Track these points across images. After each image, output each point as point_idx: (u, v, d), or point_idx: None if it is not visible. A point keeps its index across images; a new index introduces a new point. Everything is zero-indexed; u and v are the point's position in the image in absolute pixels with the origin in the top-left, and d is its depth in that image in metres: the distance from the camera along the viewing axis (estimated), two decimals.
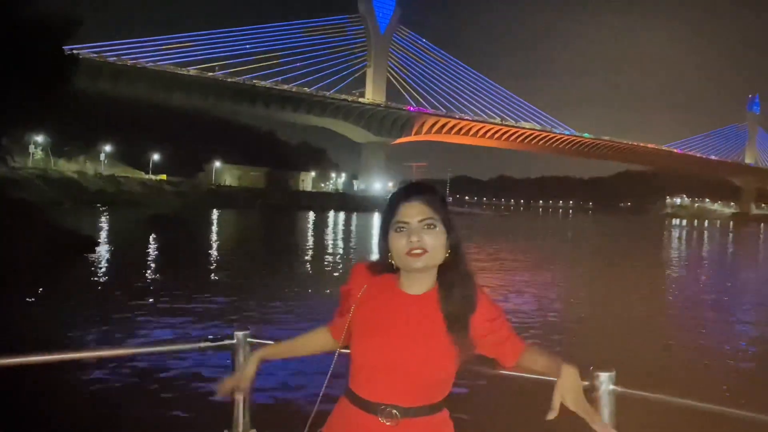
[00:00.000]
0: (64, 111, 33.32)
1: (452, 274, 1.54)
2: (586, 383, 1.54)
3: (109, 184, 69.45)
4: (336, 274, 17.05)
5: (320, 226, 45.53)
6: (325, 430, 1.58)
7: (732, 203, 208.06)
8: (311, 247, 27.44)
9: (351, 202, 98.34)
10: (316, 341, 1.78)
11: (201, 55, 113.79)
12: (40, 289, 12.18)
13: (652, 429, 3.88)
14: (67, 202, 51.47)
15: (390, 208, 1.55)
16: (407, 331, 1.49)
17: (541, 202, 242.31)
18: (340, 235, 37.89)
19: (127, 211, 51.14)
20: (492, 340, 1.56)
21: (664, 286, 17.87)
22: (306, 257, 22.35)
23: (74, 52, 29.01)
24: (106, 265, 17.42)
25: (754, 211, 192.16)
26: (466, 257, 1.57)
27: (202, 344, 2.11)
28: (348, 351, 1.59)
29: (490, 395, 5.56)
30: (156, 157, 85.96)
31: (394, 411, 1.46)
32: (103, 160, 78.57)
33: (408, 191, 1.55)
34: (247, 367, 1.80)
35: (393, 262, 1.55)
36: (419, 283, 1.55)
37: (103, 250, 20.35)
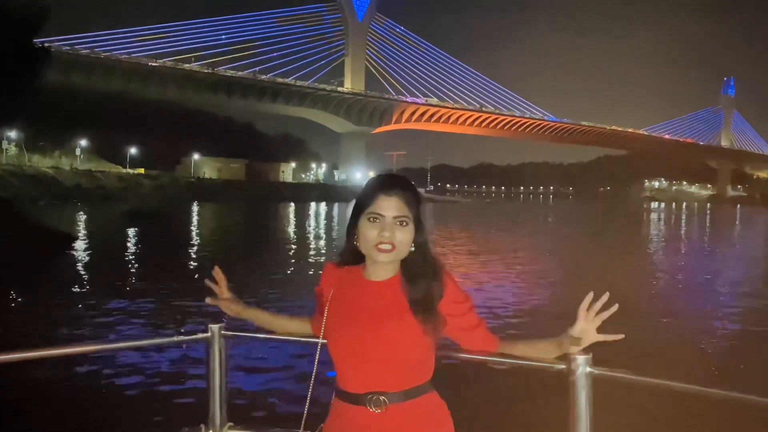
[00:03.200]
0: (36, 105, 32.77)
1: (417, 266, 1.56)
2: (563, 366, 1.58)
3: (86, 179, 68.41)
4: (317, 267, 17.00)
5: (301, 218, 45.38)
6: None
7: (709, 185, 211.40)
8: (292, 239, 27.33)
9: (332, 193, 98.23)
10: (296, 327, 1.87)
11: (176, 46, 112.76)
12: (15, 287, 11.97)
13: (631, 411, 3.91)
14: (43, 198, 50.74)
15: (367, 195, 1.56)
16: (375, 316, 1.53)
17: (521, 188, 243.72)
18: (322, 225, 37.82)
19: (105, 206, 50.51)
20: (459, 324, 1.59)
21: (641, 268, 18.07)
22: (287, 250, 22.25)
23: (45, 44, 28.33)
24: (83, 261, 17.20)
25: (730, 193, 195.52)
26: (433, 253, 1.59)
27: (177, 338, 2.12)
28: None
29: (482, 381, 5.58)
30: (133, 150, 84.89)
31: (382, 398, 1.49)
32: (78, 155, 77.43)
33: (388, 184, 1.56)
34: (236, 303, 1.86)
35: (358, 244, 1.58)
36: (383, 270, 1.58)
37: (80, 246, 20.07)
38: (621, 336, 1.53)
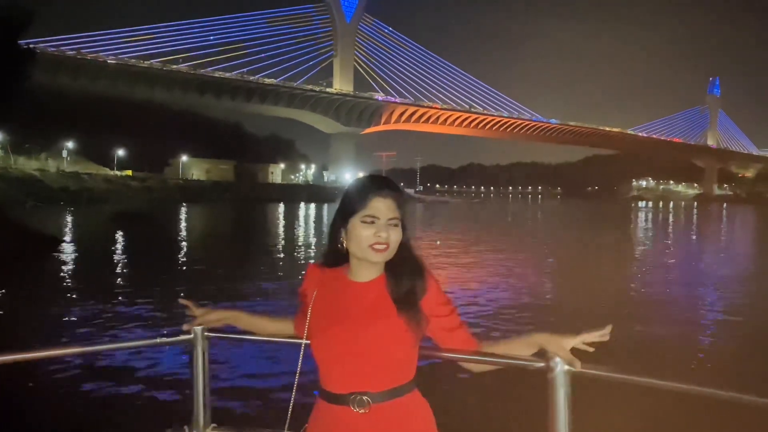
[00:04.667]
0: (22, 107, 32.48)
1: (400, 265, 1.59)
2: (542, 364, 1.59)
3: (73, 181, 67.83)
4: (305, 268, 16.98)
5: (291, 219, 45.28)
6: None
7: (695, 185, 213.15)
8: (281, 241, 27.27)
9: (321, 194, 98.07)
10: (278, 328, 1.87)
11: (164, 47, 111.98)
12: (1, 290, 11.88)
13: (609, 409, 3.95)
14: (29, 201, 50.27)
15: (358, 197, 1.58)
16: (360, 316, 1.55)
17: (510, 188, 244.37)
18: (311, 227, 37.73)
19: (92, 209, 50.16)
20: (441, 325, 1.61)
21: (627, 266, 18.18)
22: (275, 252, 22.20)
23: (30, 46, 28.13)
24: (69, 263, 17.08)
25: (717, 191, 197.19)
26: (415, 251, 1.63)
27: (160, 339, 2.11)
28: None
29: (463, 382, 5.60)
30: (121, 152, 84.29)
31: (365, 398, 1.51)
32: (65, 157, 76.77)
33: (380, 185, 1.59)
34: (211, 313, 1.90)
35: (343, 246, 1.61)
36: (368, 271, 1.61)
37: (67, 249, 19.93)
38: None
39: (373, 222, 1.55)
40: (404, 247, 1.60)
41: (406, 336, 1.53)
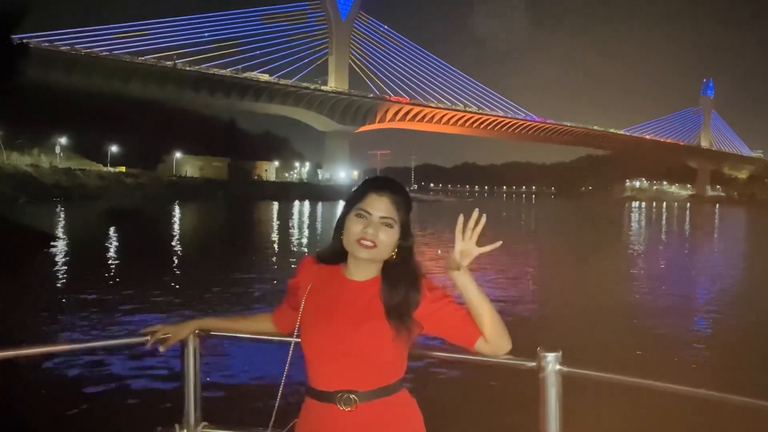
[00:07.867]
0: (14, 102, 32.31)
1: (397, 272, 1.57)
2: (533, 364, 1.59)
3: (66, 178, 67.52)
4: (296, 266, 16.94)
5: (285, 217, 45.19)
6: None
7: (688, 185, 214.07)
8: (275, 239, 27.22)
9: (316, 192, 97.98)
10: (258, 326, 1.87)
11: (158, 43, 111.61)
12: None
13: (600, 408, 3.96)
14: (22, 197, 49.99)
15: (358, 193, 1.59)
16: (351, 316, 1.54)
17: (504, 188, 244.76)
18: (306, 225, 37.68)
19: (85, 205, 49.93)
20: (440, 320, 1.57)
21: (620, 266, 18.23)
22: (268, 250, 22.15)
23: (23, 41, 27.96)
24: (60, 260, 16.99)
25: (710, 192, 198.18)
26: (415, 261, 1.60)
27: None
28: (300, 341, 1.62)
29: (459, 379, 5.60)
30: (114, 148, 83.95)
31: (352, 396, 1.50)
32: (58, 153, 76.38)
33: (380, 184, 1.59)
34: (181, 330, 1.89)
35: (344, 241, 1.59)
36: (364, 270, 1.60)
37: (59, 246, 19.82)
38: (499, 243, 1.52)
39: (364, 216, 1.55)
40: (404, 254, 1.59)
41: (394, 341, 1.52)
